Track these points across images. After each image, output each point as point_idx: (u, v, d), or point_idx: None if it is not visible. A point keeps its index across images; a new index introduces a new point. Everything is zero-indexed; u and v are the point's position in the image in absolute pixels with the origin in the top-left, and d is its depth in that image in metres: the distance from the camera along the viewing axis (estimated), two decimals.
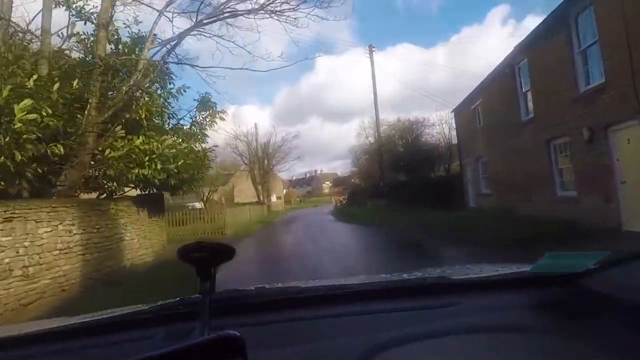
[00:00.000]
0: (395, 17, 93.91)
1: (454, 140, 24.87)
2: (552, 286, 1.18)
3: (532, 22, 68.80)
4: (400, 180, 23.24)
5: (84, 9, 8.78)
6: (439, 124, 24.20)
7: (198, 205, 38.24)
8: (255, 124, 40.77)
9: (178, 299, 1.22)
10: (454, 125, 23.06)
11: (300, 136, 42.98)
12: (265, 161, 40.09)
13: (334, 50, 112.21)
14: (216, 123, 11.10)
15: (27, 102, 5.39)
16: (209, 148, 10.82)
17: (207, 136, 11.11)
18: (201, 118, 11.10)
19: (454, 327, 1.01)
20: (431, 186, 20.96)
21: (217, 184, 36.71)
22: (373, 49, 25.98)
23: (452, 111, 20.90)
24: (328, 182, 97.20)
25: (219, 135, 43.11)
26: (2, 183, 5.89)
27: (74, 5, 8.72)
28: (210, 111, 10.95)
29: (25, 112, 5.35)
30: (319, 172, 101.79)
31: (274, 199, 51.37)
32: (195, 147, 10.31)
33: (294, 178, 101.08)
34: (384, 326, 1.05)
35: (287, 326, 1.11)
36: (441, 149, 23.72)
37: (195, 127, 10.97)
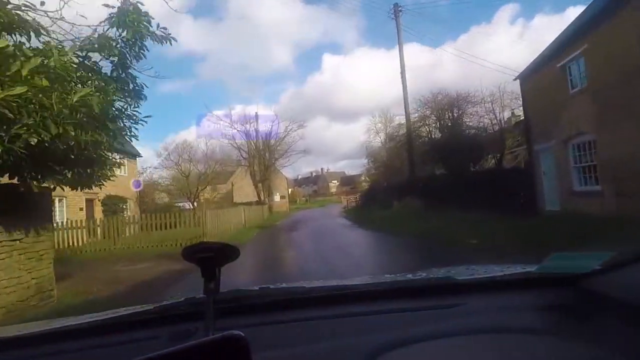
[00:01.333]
0: (403, 16, 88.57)
1: (504, 122, 19.33)
2: (556, 287, 1.16)
3: (541, 21, 66.43)
4: (438, 175, 17.72)
5: None
6: (490, 99, 18.43)
7: (189, 206, 33.06)
8: (256, 112, 35.10)
9: (183, 299, 1.22)
10: (508, 101, 17.56)
11: (306, 126, 36.81)
12: (267, 154, 34.53)
13: (340, 50, 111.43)
14: (146, 49, 5.71)
15: None
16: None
17: (130, 72, 5.67)
18: (120, 42, 5.69)
19: (458, 328, 1.00)
20: (482, 182, 15.48)
21: (207, 181, 31.32)
22: (400, 9, 20.62)
23: (516, 79, 15.30)
24: (335, 181, 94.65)
25: (214, 125, 37.40)
26: None
27: None
28: (134, 26, 5.49)
29: None
30: (326, 170, 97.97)
31: (277, 198, 46.26)
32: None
33: (299, 177, 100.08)
34: (388, 327, 1.04)
35: (291, 327, 1.10)
36: (491, 134, 18.08)
37: (105, 52, 5.52)
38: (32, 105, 3.56)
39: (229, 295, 1.16)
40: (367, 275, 2.00)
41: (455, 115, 17.51)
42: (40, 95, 3.58)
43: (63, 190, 5.80)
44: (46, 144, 3.90)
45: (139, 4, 5.67)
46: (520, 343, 0.93)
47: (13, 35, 4.90)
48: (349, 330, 1.04)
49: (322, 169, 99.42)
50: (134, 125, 5.60)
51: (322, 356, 0.94)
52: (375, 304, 1.17)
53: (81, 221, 15.42)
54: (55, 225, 12.77)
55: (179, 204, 31.74)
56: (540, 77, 13.27)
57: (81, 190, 6.05)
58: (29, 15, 5.08)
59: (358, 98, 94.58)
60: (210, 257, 0.89)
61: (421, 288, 1.29)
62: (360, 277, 1.72)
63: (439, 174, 17.78)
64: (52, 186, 5.36)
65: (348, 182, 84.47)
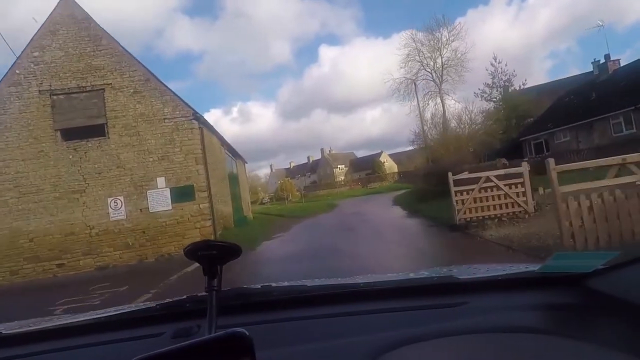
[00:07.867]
0: (399, 3, 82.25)
1: None
2: (559, 286, 1.15)
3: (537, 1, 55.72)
4: None
5: None
6: None
7: None
8: None
9: (185, 296, 1.23)
10: None
11: None
12: None
13: (338, 41, 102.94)
14: None
15: None
16: None
17: None
18: None
19: (460, 327, 1.00)
20: None
21: None
22: None
23: None
24: (342, 166, 66.55)
25: None
26: None
27: None
28: None
29: None
30: (328, 152, 68.77)
31: (158, 198, 15.92)
32: None
33: (293, 165, 75.23)
34: (390, 325, 1.04)
35: (293, 325, 1.11)
36: None
37: None
38: None
39: (231, 293, 1.17)
40: (370, 274, 1.90)
41: None
42: None
43: None
44: None
45: None
46: (522, 342, 0.93)
47: None
48: (351, 329, 1.04)
49: (322, 149, 70.47)
50: None
51: (325, 355, 0.95)
52: (378, 303, 1.17)
53: None
54: None
55: None
56: None
57: None
58: None
59: (356, 89, 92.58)
60: (213, 255, 0.90)
61: (423, 287, 1.30)
62: (363, 275, 1.62)
63: None
64: None
65: (362, 165, 64.03)
